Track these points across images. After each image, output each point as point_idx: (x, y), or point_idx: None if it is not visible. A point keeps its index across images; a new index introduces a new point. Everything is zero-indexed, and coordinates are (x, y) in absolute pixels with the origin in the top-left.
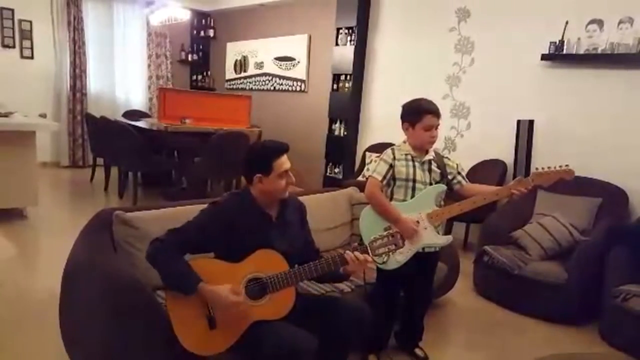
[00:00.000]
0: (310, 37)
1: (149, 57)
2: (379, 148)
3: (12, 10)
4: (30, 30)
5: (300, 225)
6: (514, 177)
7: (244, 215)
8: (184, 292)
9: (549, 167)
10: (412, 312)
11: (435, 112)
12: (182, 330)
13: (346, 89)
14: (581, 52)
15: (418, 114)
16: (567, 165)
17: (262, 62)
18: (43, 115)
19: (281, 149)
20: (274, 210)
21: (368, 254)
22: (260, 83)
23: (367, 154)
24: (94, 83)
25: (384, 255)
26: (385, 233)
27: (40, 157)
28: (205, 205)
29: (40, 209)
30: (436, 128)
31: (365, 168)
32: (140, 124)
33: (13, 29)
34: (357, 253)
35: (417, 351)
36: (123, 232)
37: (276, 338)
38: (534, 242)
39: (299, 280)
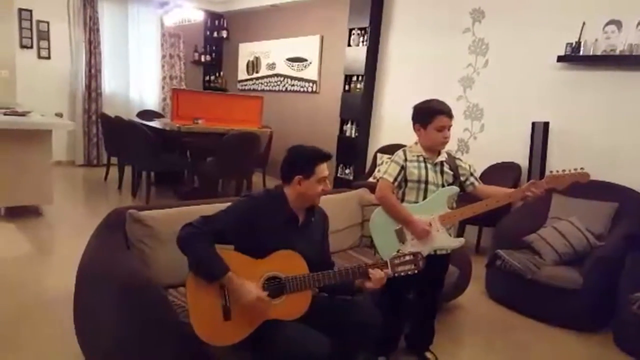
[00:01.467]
0: (322, 38)
1: (163, 57)
2: (390, 149)
3: (31, 12)
4: (48, 31)
5: (322, 235)
6: (529, 180)
7: (274, 213)
8: (211, 277)
9: (563, 170)
10: (422, 315)
11: (447, 112)
12: (197, 318)
13: (358, 90)
14: (598, 53)
15: (430, 114)
16: (582, 169)
17: (274, 63)
18: (59, 115)
19: (325, 156)
20: (301, 215)
21: (387, 268)
22: (272, 84)
23: (379, 155)
24: (108, 83)
25: (402, 273)
26: (407, 252)
27: (56, 155)
28: (221, 205)
29: (55, 207)
30: (449, 129)
31: (377, 169)
32: (154, 124)
33: (31, 29)
34: (377, 270)
35: (428, 354)
36: (136, 231)
37: (289, 339)
38: (548, 246)
39: (317, 285)
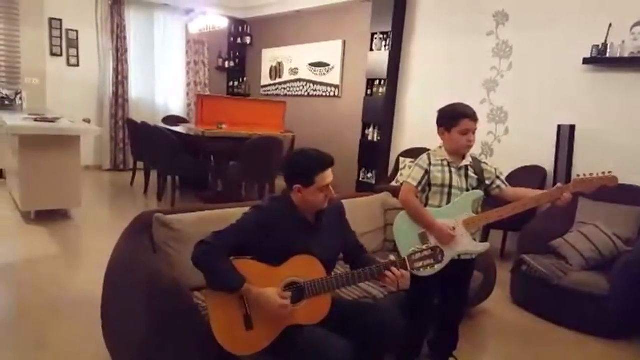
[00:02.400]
0: (344, 43)
1: (188, 64)
2: (412, 153)
3: (61, 21)
4: (77, 39)
5: (340, 228)
6: (554, 183)
7: (284, 220)
8: (228, 289)
9: (590, 174)
10: (446, 321)
11: (472, 116)
12: (219, 329)
13: (380, 94)
14: (626, 55)
15: (454, 118)
16: (610, 172)
17: (296, 68)
18: (87, 121)
19: (326, 163)
20: (312, 216)
21: (406, 266)
22: (295, 89)
23: (401, 159)
24: (135, 89)
25: (421, 269)
26: (424, 247)
27: (84, 160)
28: (244, 209)
29: (83, 210)
30: (473, 132)
31: (399, 173)
32: (179, 129)
33: (61, 38)
34: (394, 269)
35: None
36: (163, 234)
37: (311, 344)
38: (574, 251)
39: (336, 287)
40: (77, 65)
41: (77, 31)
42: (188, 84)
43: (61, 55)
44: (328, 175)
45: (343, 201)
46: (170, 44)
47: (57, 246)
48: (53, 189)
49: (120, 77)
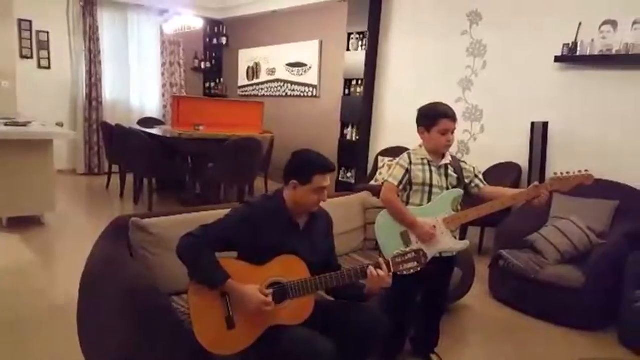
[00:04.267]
0: (321, 43)
1: (163, 65)
2: (391, 152)
3: (30, 22)
4: (48, 41)
5: (325, 237)
6: (529, 179)
7: (273, 220)
8: (211, 285)
9: (567, 172)
10: (427, 318)
11: (451, 116)
12: (201, 328)
13: (358, 94)
14: (595, 53)
15: (434, 118)
16: (586, 170)
17: (274, 69)
18: (60, 124)
19: (327, 167)
20: (302, 219)
21: (389, 267)
22: (273, 89)
23: (380, 158)
24: (109, 91)
25: (404, 272)
26: (408, 249)
27: (57, 164)
28: (223, 211)
29: (57, 216)
30: (452, 132)
31: (378, 172)
32: (155, 131)
33: (31, 39)
34: (378, 270)
35: (433, 357)
36: (140, 238)
37: (294, 344)
38: (550, 245)
39: (319, 288)
40: (49, 67)
41: (47, 32)
42: (164, 85)
43: (32, 57)
44: (325, 179)
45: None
46: (145, 45)
47: (31, 253)
48: (25, 195)
49: (93, 79)
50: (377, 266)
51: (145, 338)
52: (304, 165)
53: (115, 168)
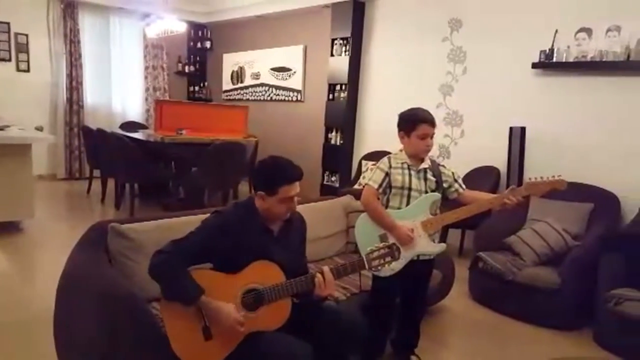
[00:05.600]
0: (305, 48)
1: (146, 68)
2: (374, 156)
3: (8, 24)
4: (27, 44)
5: (299, 243)
6: (507, 183)
7: (246, 228)
8: (184, 301)
9: (541, 177)
10: (407, 319)
11: (429, 121)
12: (177, 341)
13: (342, 99)
14: (571, 59)
15: (413, 123)
16: (559, 176)
17: (258, 73)
18: (39, 128)
19: (293, 176)
20: (276, 225)
21: (364, 265)
22: (257, 94)
23: (363, 162)
24: (90, 95)
25: (379, 267)
26: (382, 245)
27: (37, 169)
28: (206, 215)
29: (36, 222)
30: (431, 137)
31: (362, 176)
32: (137, 135)
33: (9, 42)
34: (322, 276)
35: (413, 358)
36: (118, 244)
37: (273, 349)
38: (527, 247)
39: (296, 291)
40: (28, 70)
41: (27, 35)
42: (147, 89)
43: (10, 60)
44: (293, 189)
45: (307, 205)
46: (127, 48)
47: (9, 260)
48: (3, 200)
49: (74, 83)
50: (320, 272)
51: (121, 345)
52: (270, 176)
53: (96, 173)
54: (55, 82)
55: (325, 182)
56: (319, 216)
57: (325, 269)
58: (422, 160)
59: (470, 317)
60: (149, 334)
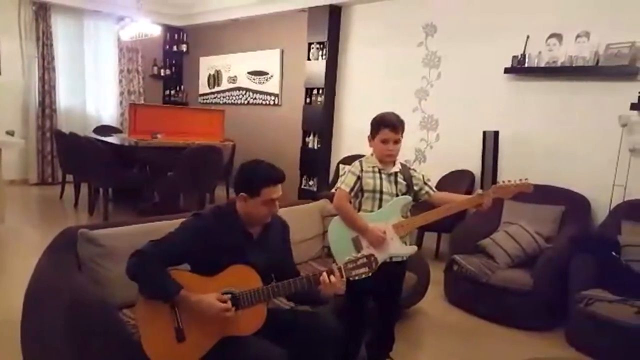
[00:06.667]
0: (282, 52)
1: (121, 72)
2: (352, 160)
3: None
4: None
5: (282, 245)
6: (482, 186)
7: (225, 231)
8: (164, 297)
9: (509, 181)
10: (382, 322)
11: (391, 125)
12: (150, 343)
13: (319, 103)
14: (542, 65)
15: (377, 126)
16: (526, 179)
17: (235, 77)
18: (11, 132)
19: (276, 179)
20: (256, 229)
21: (342, 273)
22: (234, 97)
23: (341, 166)
24: (64, 99)
25: (356, 277)
26: (360, 255)
27: (8, 174)
28: (180, 220)
29: (6, 228)
30: (394, 142)
31: (339, 180)
32: (111, 139)
33: None
34: (330, 276)
35: None
36: (88, 251)
37: (248, 354)
38: (501, 250)
39: (272, 296)
40: None
41: None
42: (121, 93)
43: None
44: (275, 191)
45: (284, 209)
46: (102, 51)
47: None
48: None
49: (47, 86)
50: (330, 272)
51: (90, 353)
52: (252, 178)
53: (69, 177)
54: (27, 85)
55: (303, 187)
56: (296, 220)
57: (334, 267)
58: (393, 164)
59: (445, 320)
60: (118, 337)
